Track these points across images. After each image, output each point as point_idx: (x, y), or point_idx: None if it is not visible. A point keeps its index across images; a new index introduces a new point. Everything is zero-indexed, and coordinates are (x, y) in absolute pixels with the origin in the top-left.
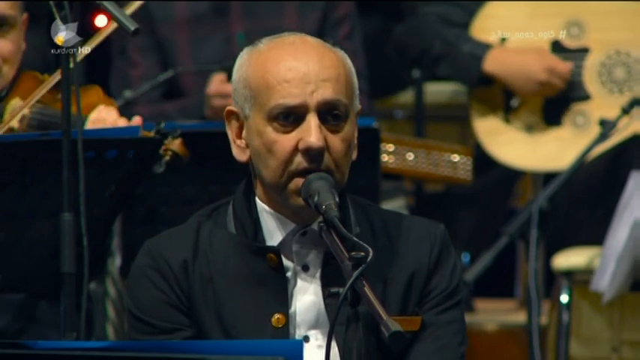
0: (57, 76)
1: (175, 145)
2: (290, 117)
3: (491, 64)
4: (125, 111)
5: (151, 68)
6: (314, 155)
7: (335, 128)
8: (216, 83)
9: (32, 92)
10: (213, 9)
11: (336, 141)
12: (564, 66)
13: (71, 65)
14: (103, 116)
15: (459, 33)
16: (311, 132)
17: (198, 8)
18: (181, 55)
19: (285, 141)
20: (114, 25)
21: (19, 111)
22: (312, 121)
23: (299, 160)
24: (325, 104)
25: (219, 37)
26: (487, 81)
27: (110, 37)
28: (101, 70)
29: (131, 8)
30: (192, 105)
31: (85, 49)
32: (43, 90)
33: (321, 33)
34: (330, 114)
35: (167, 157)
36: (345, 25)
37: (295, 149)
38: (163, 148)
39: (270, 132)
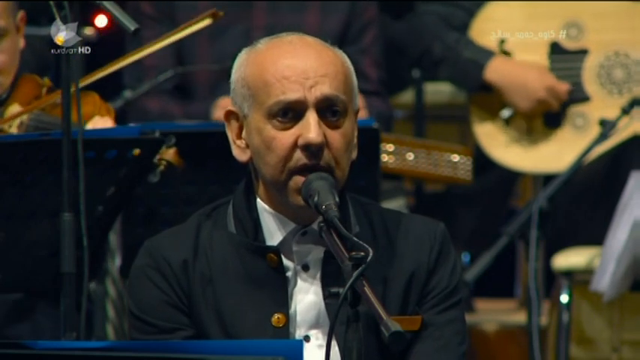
0: (57, 95)
1: (169, 154)
2: (289, 113)
3: (493, 73)
4: (134, 104)
5: (164, 58)
6: (313, 151)
7: (334, 124)
8: (220, 111)
9: (31, 96)
10: (238, 1)
11: (335, 137)
12: (563, 87)
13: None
14: (99, 127)
15: (459, 37)
16: (310, 128)
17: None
18: (200, 45)
19: (285, 137)
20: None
21: (12, 117)
22: (311, 117)
23: (298, 157)
24: (324, 100)
25: (240, 30)
26: (486, 88)
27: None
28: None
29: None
30: (199, 111)
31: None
32: (42, 104)
33: (343, 35)
34: (330, 110)
35: (161, 167)
36: (371, 31)
37: (294, 145)
38: (158, 157)
39: (270, 129)
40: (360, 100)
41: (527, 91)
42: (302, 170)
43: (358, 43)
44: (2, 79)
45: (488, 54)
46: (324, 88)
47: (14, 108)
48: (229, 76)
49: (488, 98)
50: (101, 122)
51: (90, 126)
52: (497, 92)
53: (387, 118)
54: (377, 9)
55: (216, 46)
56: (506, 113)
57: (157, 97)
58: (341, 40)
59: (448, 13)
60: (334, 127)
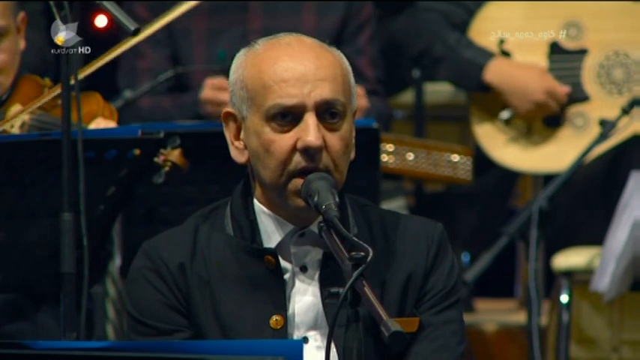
0: (57, 89)
1: (174, 155)
2: (287, 116)
3: (492, 74)
4: (126, 105)
5: (159, 62)
6: (312, 154)
7: (333, 127)
8: (208, 90)
9: (32, 96)
10: (233, 3)
11: (334, 140)
12: (563, 90)
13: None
14: (102, 128)
15: (460, 37)
16: (309, 131)
17: (218, 1)
18: (196, 48)
19: (283, 140)
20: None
21: (13, 116)
22: (310, 120)
23: (297, 160)
24: (323, 104)
25: (236, 32)
26: (486, 88)
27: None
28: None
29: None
30: (189, 103)
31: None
32: (42, 100)
33: (339, 35)
34: (328, 112)
35: (166, 168)
36: (367, 30)
37: (293, 148)
38: (162, 158)
39: (268, 132)
40: (358, 89)
41: (526, 94)
42: (301, 173)
43: (354, 43)
44: (2, 78)
45: (488, 55)
46: (324, 92)
47: (15, 108)
48: (228, 76)
49: (488, 98)
50: (104, 124)
51: (93, 127)
52: (496, 93)
53: (386, 117)
54: (373, 8)
55: (212, 49)
56: (505, 115)
57: (149, 97)
58: (337, 40)
59: (449, 11)
60: (333, 129)
